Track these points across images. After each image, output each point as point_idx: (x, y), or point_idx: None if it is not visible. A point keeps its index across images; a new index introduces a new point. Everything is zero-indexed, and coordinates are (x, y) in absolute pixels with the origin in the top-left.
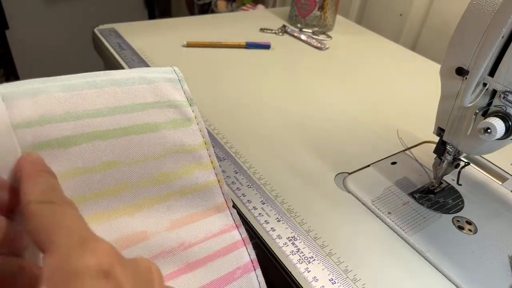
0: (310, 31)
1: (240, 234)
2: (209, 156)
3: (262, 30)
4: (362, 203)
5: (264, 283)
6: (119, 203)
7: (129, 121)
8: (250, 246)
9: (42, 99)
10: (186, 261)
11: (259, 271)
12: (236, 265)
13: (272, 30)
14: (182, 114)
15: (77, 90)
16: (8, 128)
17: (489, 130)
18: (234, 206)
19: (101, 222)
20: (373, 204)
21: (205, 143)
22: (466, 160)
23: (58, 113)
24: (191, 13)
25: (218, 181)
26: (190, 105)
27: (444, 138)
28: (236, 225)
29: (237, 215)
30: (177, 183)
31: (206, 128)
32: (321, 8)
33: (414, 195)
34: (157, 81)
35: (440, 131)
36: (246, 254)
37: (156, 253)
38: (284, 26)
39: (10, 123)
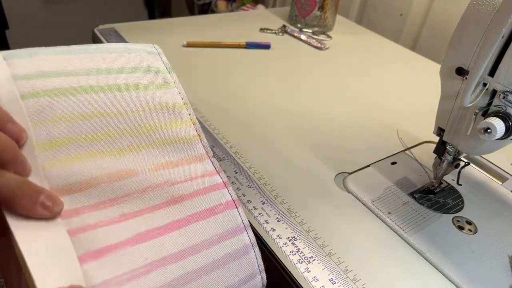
0: (310, 31)
1: (221, 178)
2: (189, 115)
3: (262, 30)
4: (362, 203)
5: (247, 221)
6: (107, 147)
7: (116, 80)
8: (231, 189)
9: (38, 59)
10: (172, 195)
11: (241, 210)
12: (218, 201)
13: (272, 30)
14: (162, 79)
15: (70, 54)
16: (9, 79)
17: (489, 130)
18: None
19: (92, 160)
20: (373, 204)
21: (185, 104)
22: (466, 160)
23: (53, 70)
24: (191, 13)
25: (198, 135)
26: (169, 73)
27: (444, 138)
28: (217, 171)
29: (218, 163)
30: (160, 134)
31: (206, 127)
32: (321, 8)
33: (414, 195)
34: (140, 52)
35: (440, 131)
36: (228, 194)
37: (144, 187)
38: (284, 26)
39: (11, 75)
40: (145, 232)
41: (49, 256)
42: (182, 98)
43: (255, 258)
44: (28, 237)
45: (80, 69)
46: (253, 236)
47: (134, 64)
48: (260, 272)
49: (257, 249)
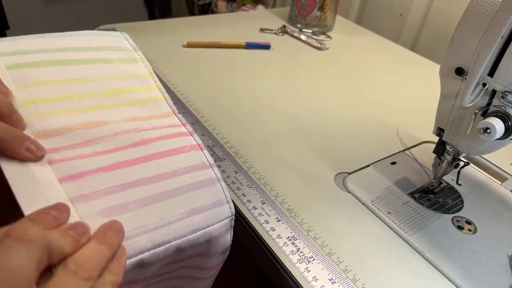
0: (310, 31)
1: (187, 129)
2: (155, 82)
3: (262, 30)
4: (362, 203)
5: (213, 161)
6: (82, 104)
7: (89, 55)
8: (196, 136)
9: (19, 42)
10: (141, 139)
11: (206, 152)
12: (183, 144)
13: (272, 30)
14: (129, 56)
15: (47, 38)
16: None
17: (488, 130)
18: (234, 206)
19: (68, 114)
20: (373, 204)
21: (150, 74)
22: (465, 160)
23: (32, 48)
24: (191, 13)
25: (164, 98)
26: (136, 52)
27: (444, 138)
28: (183, 124)
29: (183, 118)
30: (129, 96)
31: (206, 128)
32: (321, 8)
33: (414, 195)
34: (109, 36)
35: (439, 131)
36: (193, 140)
37: (114, 132)
38: (284, 26)
39: None
40: (116, 163)
41: (31, 180)
42: (148, 70)
43: (221, 189)
44: (14, 168)
45: (55, 47)
46: (219, 173)
47: (103, 44)
48: (227, 202)
49: (223, 183)
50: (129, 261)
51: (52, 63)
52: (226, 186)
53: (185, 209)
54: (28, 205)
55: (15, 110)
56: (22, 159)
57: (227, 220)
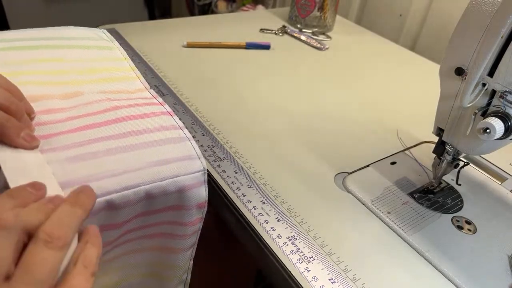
0: (310, 31)
1: (158, 100)
2: (129, 65)
3: (262, 30)
4: (362, 203)
5: (182, 124)
6: (60, 79)
7: (69, 43)
8: (167, 106)
9: (4, 33)
10: (112, 106)
11: (176, 118)
12: (153, 110)
13: (272, 30)
14: (106, 44)
15: (31, 30)
16: None
17: (488, 130)
18: (234, 206)
19: (47, 85)
20: (373, 204)
21: (125, 58)
22: (465, 160)
23: (16, 37)
24: (191, 13)
25: (138, 77)
26: (112, 42)
27: (444, 138)
28: (154, 96)
29: (156, 93)
30: (105, 74)
31: (206, 128)
32: (321, 8)
33: (414, 195)
34: (88, 30)
35: (439, 131)
36: (163, 108)
37: (88, 101)
38: (284, 26)
39: None
40: (87, 125)
41: (20, 159)
42: (123, 55)
43: (191, 146)
44: (7, 153)
45: (38, 37)
46: (189, 134)
47: (83, 35)
48: (198, 157)
49: (193, 142)
50: (98, 200)
51: (33, 47)
52: (197, 146)
53: (152, 159)
54: (8, 167)
55: (23, 109)
56: (17, 146)
57: (199, 173)
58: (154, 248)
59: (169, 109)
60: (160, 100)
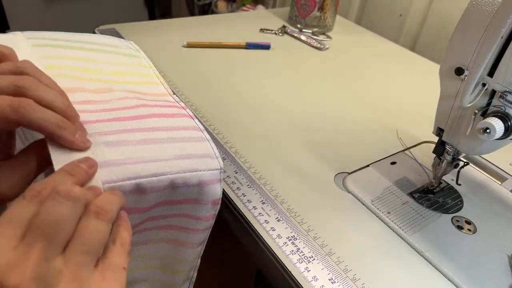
0: (310, 31)
1: (180, 105)
2: (154, 72)
3: (262, 30)
4: (362, 203)
5: (203, 127)
6: (94, 76)
7: (98, 47)
8: (188, 110)
9: (40, 33)
10: (142, 103)
11: (197, 121)
12: (177, 112)
13: (272, 30)
14: (133, 53)
15: (63, 33)
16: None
17: (488, 130)
18: (234, 206)
19: (83, 80)
20: (373, 204)
21: (150, 67)
22: (465, 160)
23: (52, 37)
24: (191, 13)
25: (161, 83)
26: (139, 52)
27: (444, 138)
28: (177, 101)
29: (179, 99)
30: (130, 77)
31: (206, 128)
32: (321, 8)
33: (414, 195)
34: (115, 38)
35: (439, 131)
36: (185, 112)
37: (119, 97)
38: (284, 26)
39: (31, 45)
40: (119, 117)
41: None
42: (148, 64)
43: (210, 147)
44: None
45: (70, 39)
46: (209, 136)
47: (111, 42)
48: (217, 157)
49: (213, 144)
50: (129, 182)
51: (67, 47)
52: (216, 147)
53: (177, 153)
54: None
55: (71, 105)
56: (71, 147)
57: (217, 171)
58: (167, 241)
59: (191, 113)
60: (183, 104)
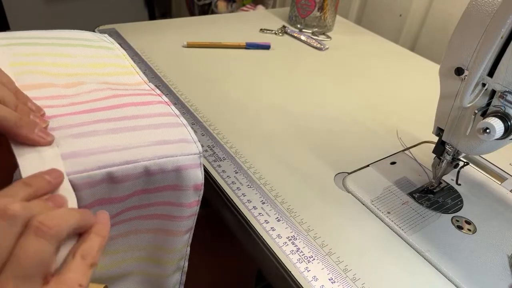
0: (310, 31)
1: (156, 92)
2: (129, 62)
3: (262, 30)
4: (362, 203)
5: (179, 112)
6: (64, 71)
7: (73, 42)
8: (164, 97)
9: (12, 33)
10: (114, 94)
11: (173, 107)
12: (152, 99)
13: (272, 30)
14: (107, 45)
15: (37, 31)
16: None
17: (488, 130)
18: (234, 206)
19: (54, 75)
20: (373, 204)
21: (124, 56)
22: (465, 160)
23: (24, 35)
24: (191, 13)
25: (137, 73)
26: (113, 44)
27: (443, 138)
28: (152, 88)
29: (154, 87)
30: (105, 69)
31: (206, 128)
32: (321, 8)
33: (414, 194)
34: (89, 33)
35: (439, 131)
36: (161, 99)
37: (90, 89)
38: (284, 26)
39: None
40: (89, 109)
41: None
42: (122, 53)
43: (187, 132)
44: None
45: (43, 36)
46: (185, 121)
47: (86, 37)
48: (195, 142)
49: (190, 129)
50: (100, 172)
51: (39, 44)
52: (193, 132)
53: (150, 140)
54: (24, 165)
55: (25, 102)
56: (32, 143)
57: (195, 156)
58: (151, 230)
59: (167, 100)
60: (158, 92)
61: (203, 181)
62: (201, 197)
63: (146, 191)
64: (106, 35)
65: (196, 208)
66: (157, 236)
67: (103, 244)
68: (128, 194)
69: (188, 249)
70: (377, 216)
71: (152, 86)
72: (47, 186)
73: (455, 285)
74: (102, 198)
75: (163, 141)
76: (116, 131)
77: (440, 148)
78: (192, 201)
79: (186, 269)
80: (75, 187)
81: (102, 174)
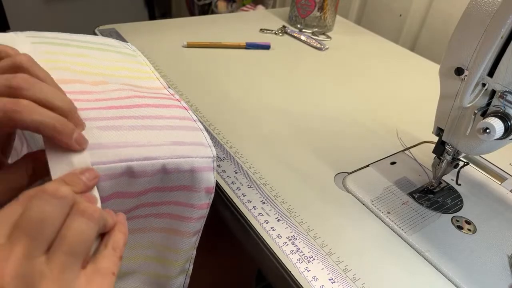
0: (310, 31)
1: (175, 97)
2: (150, 69)
3: (262, 30)
4: (362, 203)
5: (196, 117)
6: (90, 70)
7: (95, 46)
8: (183, 102)
9: (39, 32)
10: (136, 95)
11: (191, 112)
12: (172, 103)
13: (272, 30)
14: (129, 51)
15: (61, 33)
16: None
17: (488, 130)
18: (234, 206)
19: (79, 73)
20: (373, 204)
21: (146, 64)
22: (465, 160)
23: (50, 36)
24: (191, 13)
25: (157, 78)
26: (135, 51)
27: (443, 138)
28: (171, 94)
29: (174, 92)
30: (126, 72)
31: (206, 128)
32: (321, 8)
33: (414, 194)
34: (113, 39)
35: (439, 131)
36: (180, 104)
37: (114, 89)
38: (284, 26)
39: (31, 42)
40: (113, 106)
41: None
42: (144, 61)
43: (203, 136)
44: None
45: (69, 38)
46: (202, 126)
47: (109, 42)
48: (209, 146)
49: (206, 134)
50: (120, 165)
51: (65, 45)
52: (209, 137)
53: (169, 140)
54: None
55: (67, 100)
56: (69, 148)
57: (210, 159)
58: (161, 229)
59: (186, 105)
60: (177, 97)
61: (214, 185)
62: (211, 200)
63: (160, 189)
64: (129, 43)
65: (205, 211)
66: (166, 235)
67: (126, 241)
68: (144, 190)
69: (194, 252)
70: (377, 216)
71: (172, 91)
72: (83, 187)
73: (455, 285)
74: (119, 191)
75: (181, 142)
76: (138, 128)
77: (440, 148)
78: (202, 203)
79: (190, 272)
80: None
81: (122, 167)
